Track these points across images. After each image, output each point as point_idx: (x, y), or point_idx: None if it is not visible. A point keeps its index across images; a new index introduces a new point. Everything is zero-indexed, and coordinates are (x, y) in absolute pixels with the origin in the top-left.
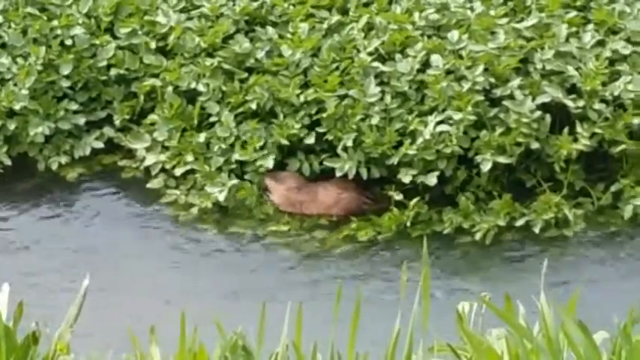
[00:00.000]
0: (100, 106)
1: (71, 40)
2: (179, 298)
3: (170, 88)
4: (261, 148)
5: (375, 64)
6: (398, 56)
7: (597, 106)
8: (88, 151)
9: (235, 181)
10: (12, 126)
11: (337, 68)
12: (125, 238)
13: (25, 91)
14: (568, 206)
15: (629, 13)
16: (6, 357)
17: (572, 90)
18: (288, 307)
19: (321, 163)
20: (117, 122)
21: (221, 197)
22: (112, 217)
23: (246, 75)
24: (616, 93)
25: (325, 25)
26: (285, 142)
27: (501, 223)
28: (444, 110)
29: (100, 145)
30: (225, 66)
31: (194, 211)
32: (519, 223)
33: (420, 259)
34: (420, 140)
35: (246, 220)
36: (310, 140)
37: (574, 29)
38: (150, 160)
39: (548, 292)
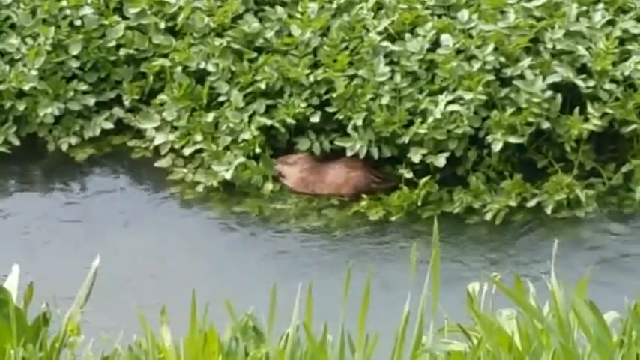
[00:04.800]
0: (109, 87)
1: (80, 20)
2: (188, 278)
3: (179, 68)
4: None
5: (385, 43)
6: (408, 36)
7: (608, 85)
8: (97, 132)
9: (242, 159)
10: (21, 106)
11: (347, 48)
12: (134, 217)
13: (34, 72)
14: (580, 187)
15: None
16: (17, 338)
17: (583, 70)
18: (299, 288)
19: (331, 143)
20: (126, 102)
21: (227, 175)
22: (121, 198)
23: (255, 55)
24: (626, 73)
25: (334, 5)
26: (291, 121)
27: (512, 203)
28: (454, 90)
29: (109, 125)
30: (235, 46)
31: (199, 189)
32: (531, 204)
33: (431, 240)
34: (430, 119)
35: (254, 199)
36: (316, 119)
37: (584, 8)
38: (159, 139)
39: (558, 273)
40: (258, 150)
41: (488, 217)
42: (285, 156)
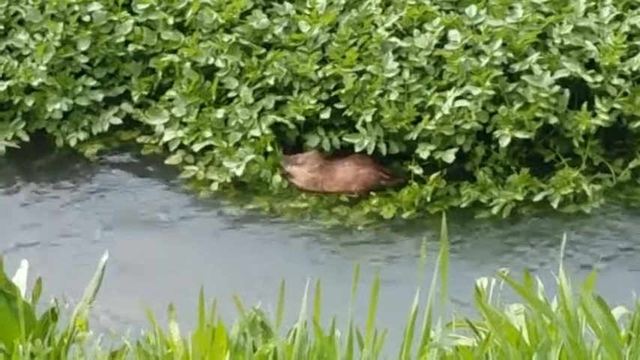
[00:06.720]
0: (117, 82)
1: (89, 16)
2: (198, 274)
3: (188, 64)
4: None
5: (393, 39)
6: (416, 31)
7: (616, 81)
8: (106, 127)
9: (253, 155)
10: (30, 102)
11: (355, 44)
12: (144, 214)
13: (42, 68)
14: (586, 182)
15: None
16: (25, 333)
17: (591, 65)
18: (307, 284)
19: (340, 139)
20: (135, 98)
21: (238, 172)
22: (130, 193)
23: (264, 51)
24: (635, 68)
25: (343, 1)
26: (301, 117)
27: (519, 197)
28: (462, 85)
29: (118, 121)
30: (243, 42)
31: (213, 187)
32: (537, 198)
33: (439, 234)
34: (438, 115)
35: (265, 197)
36: (326, 115)
37: (592, 4)
38: (168, 136)
39: (566, 268)
40: (270, 149)
41: (496, 211)
42: (292, 155)
